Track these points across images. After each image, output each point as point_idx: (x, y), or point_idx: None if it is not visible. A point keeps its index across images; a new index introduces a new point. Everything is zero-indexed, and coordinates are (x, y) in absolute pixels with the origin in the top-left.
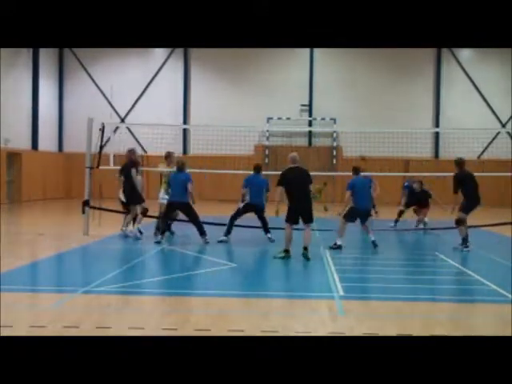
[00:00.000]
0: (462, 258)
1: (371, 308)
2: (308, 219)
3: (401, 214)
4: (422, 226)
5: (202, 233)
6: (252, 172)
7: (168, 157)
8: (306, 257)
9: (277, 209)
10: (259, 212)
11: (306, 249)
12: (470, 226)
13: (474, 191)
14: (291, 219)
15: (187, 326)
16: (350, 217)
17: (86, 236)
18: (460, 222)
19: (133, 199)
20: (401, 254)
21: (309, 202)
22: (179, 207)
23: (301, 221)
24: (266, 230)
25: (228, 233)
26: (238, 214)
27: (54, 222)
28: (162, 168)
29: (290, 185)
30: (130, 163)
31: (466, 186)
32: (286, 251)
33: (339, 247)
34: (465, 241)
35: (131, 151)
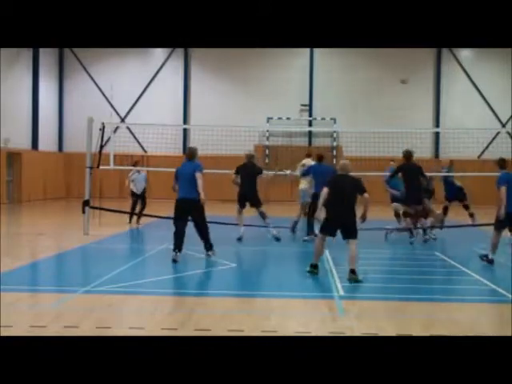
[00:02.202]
0: (462, 257)
1: (371, 308)
2: (349, 233)
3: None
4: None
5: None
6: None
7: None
8: (354, 280)
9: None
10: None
11: (353, 272)
12: (471, 225)
13: (413, 185)
14: (326, 230)
15: (187, 325)
16: (501, 224)
17: (86, 236)
18: (396, 214)
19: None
20: (401, 254)
21: (352, 215)
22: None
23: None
24: None
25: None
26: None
27: (54, 221)
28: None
29: (334, 190)
30: (252, 166)
31: (407, 178)
32: (314, 266)
33: (491, 262)
34: (399, 230)
35: (250, 156)
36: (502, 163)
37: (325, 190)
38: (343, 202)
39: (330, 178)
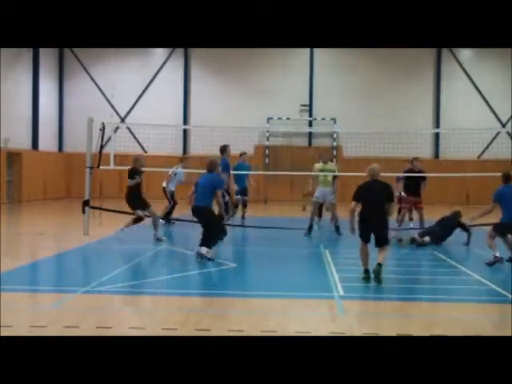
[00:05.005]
0: (462, 257)
1: (371, 308)
2: (381, 241)
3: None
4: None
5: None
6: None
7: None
8: (378, 279)
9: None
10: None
11: (380, 265)
12: (470, 225)
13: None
14: (362, 236)
15: (187, 325)
16: None
17: (86, 236)
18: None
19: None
20: (400, 254)
21: (383, 222)
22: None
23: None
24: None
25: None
26: None
27: (54, 221)
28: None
29: (365, 199)
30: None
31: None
32: (366, 271)
33: None
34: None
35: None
36: None
37: (352, 205)
38: (374, 208)
39: (357, 189)
